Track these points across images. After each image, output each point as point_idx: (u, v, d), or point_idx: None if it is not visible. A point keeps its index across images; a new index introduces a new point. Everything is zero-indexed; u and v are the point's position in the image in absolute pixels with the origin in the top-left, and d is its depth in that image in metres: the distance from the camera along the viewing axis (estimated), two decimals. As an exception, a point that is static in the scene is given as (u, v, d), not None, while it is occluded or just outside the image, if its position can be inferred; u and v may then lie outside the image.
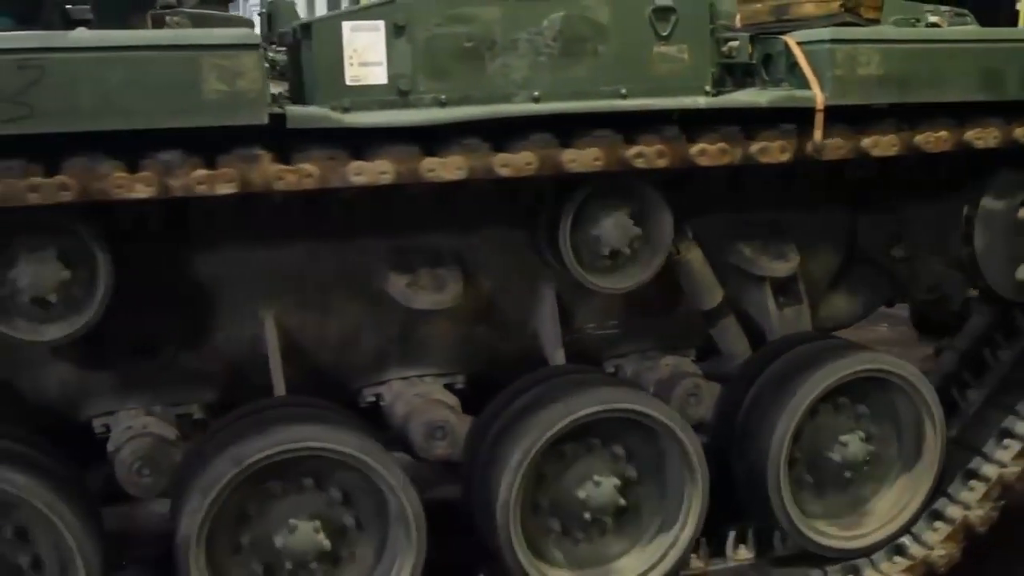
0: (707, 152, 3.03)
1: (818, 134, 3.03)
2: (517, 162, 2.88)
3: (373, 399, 3.54)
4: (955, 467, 3.68)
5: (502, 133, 2.90)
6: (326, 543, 3.00)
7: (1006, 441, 3.68)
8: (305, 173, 2.66)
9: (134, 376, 3.25)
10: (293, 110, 2.66)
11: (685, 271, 3.47)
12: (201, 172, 2.61)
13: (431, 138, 2.85)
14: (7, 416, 3.13)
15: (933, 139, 3.24)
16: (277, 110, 2.63)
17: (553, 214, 3.15)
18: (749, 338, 3.71)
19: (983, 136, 3.30)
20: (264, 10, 4.17)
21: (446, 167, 2.79)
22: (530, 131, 2.92)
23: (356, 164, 2.70)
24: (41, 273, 2.70)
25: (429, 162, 2.78)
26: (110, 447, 3.18)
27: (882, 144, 3.12)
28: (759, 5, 3.24)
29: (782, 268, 3.58)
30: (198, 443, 3.16)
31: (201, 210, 2.97)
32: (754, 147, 3.06)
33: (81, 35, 2.53)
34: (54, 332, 2.77)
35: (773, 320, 3.73)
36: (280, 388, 3.26)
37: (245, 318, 3.25)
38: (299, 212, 3.07)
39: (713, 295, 3.58)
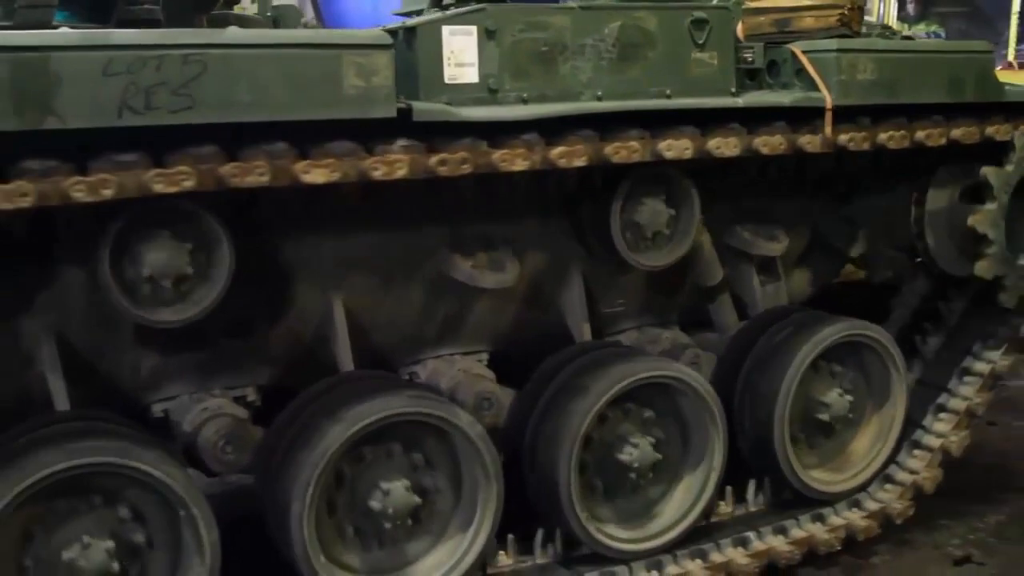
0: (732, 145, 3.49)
1: (828, 129, 3.54)
2: (575, 155, 3.24)
3: (407, 378, 3.82)
4: (926, 404, 4.32)
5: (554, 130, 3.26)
6: (416, 499, 3.28)
7: (967, 378, 4.33)
8: (440, 161, 2.95)
9: (196, 361, 3.41)
10: (419, 105, 2.94)
11: (697, 252, 3.91)
12: (369, 159, 2.89)
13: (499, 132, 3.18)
14: (88, 402, 3.25)
15: (897, 136, 3.81)
16: (403, 105, 2.91)
17: (600, 203, 3.54)
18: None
19: (932, 135, 3.89)
20: (270, 13, 4.38)
21: (569, 156, 3.17)
22: (581, 127, 3.29)
23: (500, 153, 3.03)
24: (170, 259, 2.88)
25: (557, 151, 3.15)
26: (187, 428, 3.35)
27: (891, 139, 3.65)
28: (763, 18, 3.72)
29: (775, 248, 4.10)
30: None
31: (278, 201, 3.18)
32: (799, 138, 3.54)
33: (239, 33, 2.75)
34: (180, 314, 2.95)
35: (757, 295, 4.24)
36: (348, 365, 3.50)
37: (315, 302, 3.47)
38: (365, 203, 3.32)
39: (716, 273, 4.05)
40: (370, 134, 2.95)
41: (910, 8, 9.90)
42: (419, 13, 4.56)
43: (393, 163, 2.90)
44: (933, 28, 4.07)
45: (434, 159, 2.98)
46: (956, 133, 3.83)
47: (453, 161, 3.00)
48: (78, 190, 2.63)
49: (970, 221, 3.93)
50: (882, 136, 3.67)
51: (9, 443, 2.90)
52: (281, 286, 3.40)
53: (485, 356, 3.93)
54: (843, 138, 3.59)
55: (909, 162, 4.07)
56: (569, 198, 3.65)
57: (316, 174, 2.79)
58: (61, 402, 3.14)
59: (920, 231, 4.22)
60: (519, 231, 3.70)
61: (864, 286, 4.84)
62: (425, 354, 3.84)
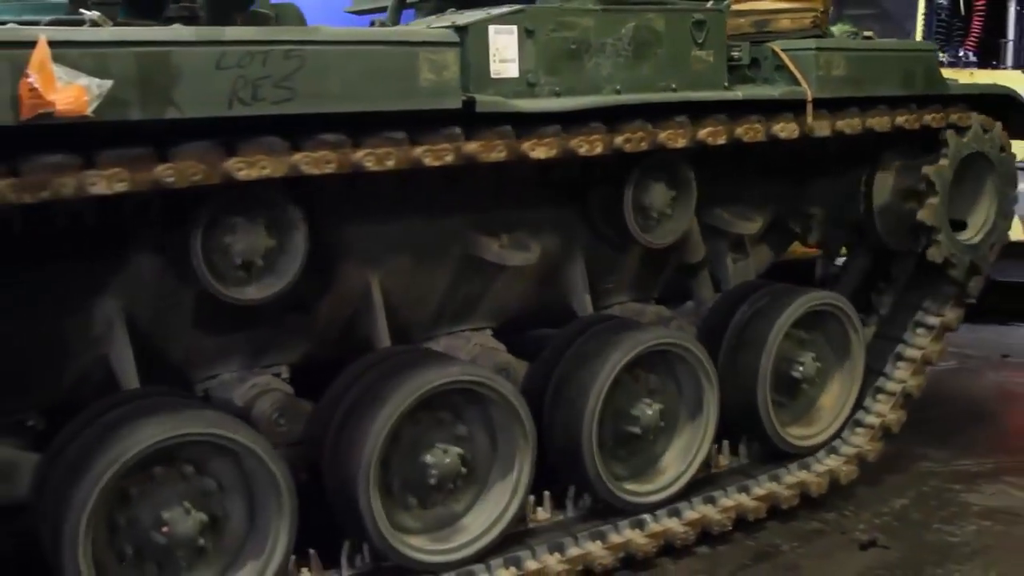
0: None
1: (809, 119, 3.98)
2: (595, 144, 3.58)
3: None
4: (886, 354, 4.86)
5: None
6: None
7: (919, 330, 4.87)
8: (498, 149, 3.26)
9: (239, 340, 3.61)
10: (480, 97, 3.23)
11: (687, 231, 4.30)
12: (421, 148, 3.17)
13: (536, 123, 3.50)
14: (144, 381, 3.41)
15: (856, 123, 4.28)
16: (466, 97, 3.20)
17: (610, 190, 3.90)
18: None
19: (909, 119, 4.38)
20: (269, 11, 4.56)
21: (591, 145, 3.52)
22: (595, 119, 3.64)
23: (530, 143, 3.33)
24: (254, 242, 3.11)
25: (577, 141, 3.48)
26: (238, 403, 3.56)
27: (852, 126, 4.12)
28: (743, 20, 4.13)
29: (750, 227, 4.54)
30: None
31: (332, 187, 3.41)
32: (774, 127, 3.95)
33: (332, 31, 2.98)
34: (261, 291, 3.18)
35: (729, 271, 4.68)
36: (385, 341, 3.76)
37: (354, 281, 3.71)
38: (396, 189, 3.58)
39: (700, 251, 4.46)
40: (420, 124, 3.22)
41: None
42: (374, 11, 4.94)
43: (492, 148, 3.21)
44: (850, 29, 4.55)
45: (526, 144, 3.35)
46: (927, 119, 4.36)
47: (542, 146, 3.40)
48: (168, 176, 2.82)
49: (919, 216, 4.47)
50: (856, 123, 4.13)
51: (104, 414, 3.08)
52: (328, 267, 3.62)
53: (490, 332, 4.24)
54: (822, 125, 4.03)
55: (858, 149, 4.57)
56: (573, 184, 3.97)
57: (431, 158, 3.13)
58: (131, 380, 3.30)
59: (868, 212, 4.72)
60: (534, 215, 4.02)
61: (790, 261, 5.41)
62: (440, 331, 4.12)
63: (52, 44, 2.51)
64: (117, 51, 2.62)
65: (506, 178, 3.71)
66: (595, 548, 3.84)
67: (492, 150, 3.32)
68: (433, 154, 3.25)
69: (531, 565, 3.71)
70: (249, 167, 2.92)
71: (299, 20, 4.28)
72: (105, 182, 2.74)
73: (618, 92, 3.66)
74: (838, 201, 4.80)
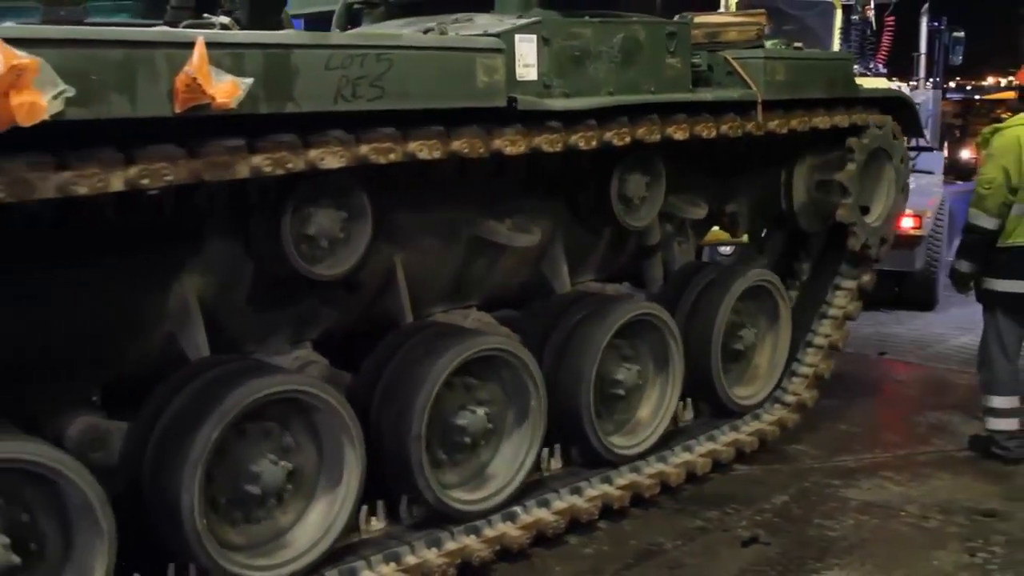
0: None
1: (760, 117, 4.65)
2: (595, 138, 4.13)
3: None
4: (812, 313, 5.60)
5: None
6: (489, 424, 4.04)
7: (837, 292, 5.64)
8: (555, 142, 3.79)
9: (281, 317, 3.97)
10: (521, 97, 3.72)
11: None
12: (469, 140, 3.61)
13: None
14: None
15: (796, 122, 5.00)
16: (511, 96, 3.69)
17: (599, 182, 4.45)
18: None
19: (799, 124, 5.12)
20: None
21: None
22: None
23: (578, 136, 3.85)
24: (330, 223, 3.50)
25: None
26: (289, 373, 3.90)
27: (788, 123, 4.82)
28: (696, 31, 4.74)
29: (699, 213, 5.18)
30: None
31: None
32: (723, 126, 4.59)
33: (413, 36, 3.41)
34: (336, 268, 3.57)
35: (675, 252, 5.31)
36: (408, 316, 4.19)
37: (381, 262, 4.11)
38: (416, 179, 4.02)
39: (657, 234, 5.07)
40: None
41: None
42: (313, 16, 5.34)
43: (554, 142, 3.81)
44: (782, 41, 5.24)
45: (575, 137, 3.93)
46: (854, 117, 5.14)
47: (584, 139, 3.97)
48: (267, 165, 3.20)
49: (837, 177, 5.23)
50: (793, 122, 4.83)
51: (196, 377, 3.43)
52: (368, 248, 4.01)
53: (474, 308, 4.71)
54: (771, 124, 4.71)
55: (778, 148, 5.29)
56: (556, 176, 4.49)
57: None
58: (203, 352, 3.62)
59: (788, 198, 5.46)
60: (528, 203, 4.52)
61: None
62: (436, 308, 4.55)
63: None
64: (251, 52, 2.99)
65: (507, 170, 4.21)
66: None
67: (554, 144, 3.88)
68: (513, 144, 3.80)
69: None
70: (331, 156, 3.32)
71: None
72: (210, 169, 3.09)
73: (611, 94, 4.21)
74: (762, 194, 5.52)
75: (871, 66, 9.42)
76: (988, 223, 5.08)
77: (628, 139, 4.21)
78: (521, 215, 4.46)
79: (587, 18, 4.18)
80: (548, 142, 3.93)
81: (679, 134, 4.40)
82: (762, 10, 5.06)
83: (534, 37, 3.92)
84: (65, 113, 2.63)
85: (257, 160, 3.16)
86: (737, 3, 8.62)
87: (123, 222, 3.29)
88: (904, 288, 8.69)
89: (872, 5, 9.41)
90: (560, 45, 4.02)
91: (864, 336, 7.74)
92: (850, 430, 5.72)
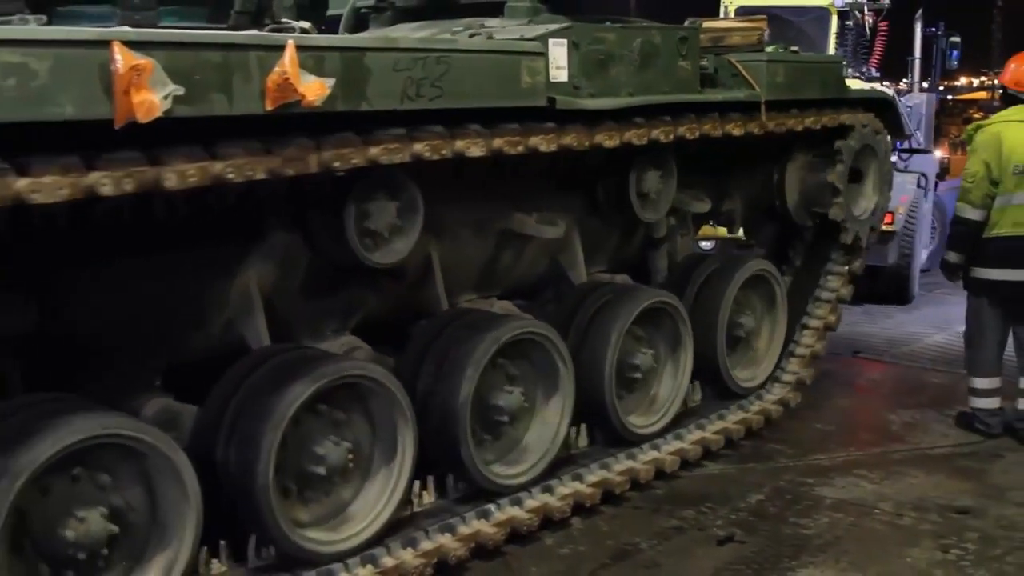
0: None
1: (764, 117, 4.97)
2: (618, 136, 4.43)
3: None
4: (807, 296, 5.96)
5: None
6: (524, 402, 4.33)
7: (830, 277, 6.00)
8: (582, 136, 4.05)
9: (327, 305, 4.21)
10: (559, 97, 4.00)
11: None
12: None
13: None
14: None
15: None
16: (549, 96, 3.97)
17: (617, 180, 4.76)
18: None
19: (797, 123, 5.46)
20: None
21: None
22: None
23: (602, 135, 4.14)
24: (388, 216, 3.76)
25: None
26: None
27: (787, 122, 5.16)
28: (702, 36, 5.06)
29: (703, 207, 5.50)
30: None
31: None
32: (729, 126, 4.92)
33: (467, 40, 3.67)
34: (391, 257, 3.82)
35: (678, 244, 5.62)
36: (444, 304, 4.46)
37: (418, 253, 4.36)
38: (452, 174, 4.28)
39: (665, 227, 5.38)
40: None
41: None
42: None
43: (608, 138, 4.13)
44: (780, 46, 5.59)
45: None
46: (845, 117, 5.49)
47: (607, 137, 4.30)
48: (337, 161, 3.44)
49: (828, 178, 5.58)
50: (791, 121, 5.17)
51: (263, 364, 3.66)
52: None
53: (495, 298, 4.98)
54: (772, 123, 5.05)
55: (772, 147, 5.62)
56: (575, 173, 4.78)
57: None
58: (263, 341, 3.85)
59: (781, 195, 5.80)
60: (551, 199, 4.81)
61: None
62: (463, 297, 4.81)
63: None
64: (331, 54, 3.24)
65: (533, 167, 4.49)
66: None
67: (582, 141, 4.18)
68: (547, 142, 4.09)
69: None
70: (389, 154, 3.58)
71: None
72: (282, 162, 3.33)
73: (630, 94, 4.51)
74: (756, 191, 5.86)
75: (864, 70, 9.85)
76: (974, 215, 5.44)
77: (646, 138, 4.51)
78: (546, 209, 4.74)
79: (608, 24, 4.48)
80: (577, 140, 4.22)
81: (691, 133, 4.71)
82: (763, 16, 5.41)
83: (565, 41, 4.20)
84: (174, 111, 2.86)
85: (327, 156, 3.41)
86: (736, 9, 9.02)
87: (193, 217, 3.52)
88: (878, 283, 9.08)
89: (866, 11, 9.84)
90: (587, 49, 4.30)
91: (838, 336, 7.73)
92: (825, 429, 5.79)
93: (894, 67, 10.94)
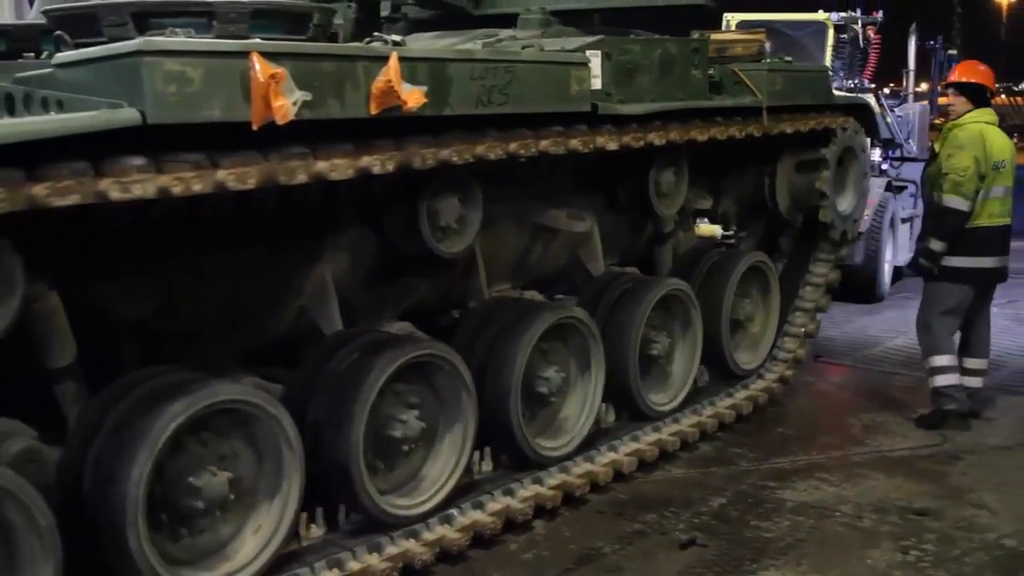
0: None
1: (765, 120, 5.47)
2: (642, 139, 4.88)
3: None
4: (797, 282, 6.48)
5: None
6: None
7: (818, 263, 6.53)
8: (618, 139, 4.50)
9: (393, 291, 4.60)
10: (601, 104, 4.44)
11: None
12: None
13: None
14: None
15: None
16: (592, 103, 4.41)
17: (638, 178, 5.21)
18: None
19: (793, 127, 5.97)
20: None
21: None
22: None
23: (629, 137, 4.59)
24: (455, 210, 4.17)
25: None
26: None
27: (782, 126, 5.67)
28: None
29: (706, 204, 5.99)
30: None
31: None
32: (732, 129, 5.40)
33: (528, 52, 4.09)
34: (456, 247, 4.23)
35: (680, 239, 6.10)
36: (486, 293, 4.87)
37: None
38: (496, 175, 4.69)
39: (671, 222, 5.85)
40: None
41: None
42: None
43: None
44: (776, 57, 6.13)
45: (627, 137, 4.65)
46: (830, 121, 5.99)
47: (633, 139, 4.74)
48: (430, 159, 3.83)
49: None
50: (784, 125, 5.69)
51: (350, 340, 4.05)
52: None
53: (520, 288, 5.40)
54: (772, 127, 5.55)
55: (764, 150, 6.13)
56: (596, 173, 5.22)
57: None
58: (336, 326, 4.23)
59: (772, 194, 6.31)
60: (576, 196, 5.25)
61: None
62: (497, 287, 5.21)
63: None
64: (421, 64, 3.64)
65: (563, 166, 4.92)
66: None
67: (614, 143, 4.64)
68: (584, 144, 4.53)
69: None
70: (459, 155, 3.99)
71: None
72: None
73: (653, 100, 4.96)
74: (749, 191, 6.37)
75: (856, 81, 10.43)
76: (965, 206, 5.82)
77: (665, 139, 4.97)
78: (572, 206, 5.18)
79: (632, 36, 4.94)
80: (609, 141, 4.66)
81: (702, 135, 5.19)
82: (762, 29, 5.92)
83: (599, 52, 4.64)
84: (301, 114, 3.24)
85: (403, 156, 3.79)
86: (738, 23, 9.57)
87: (281, 212, 3.88)
88: (846, 281, 9.59)
89: (861, 24, 10.44)
90: (616, 60, 4.75)
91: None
92: (786, 432, 5.83)
93: (890, 78, 11.55)
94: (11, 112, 3.24)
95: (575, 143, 4.49)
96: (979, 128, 5.90)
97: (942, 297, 6.01)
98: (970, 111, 5.96)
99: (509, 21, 5.36)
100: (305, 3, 3.98)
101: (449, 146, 3.93)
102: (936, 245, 5.93)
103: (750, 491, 4.95)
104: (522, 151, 4.25)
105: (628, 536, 4.45)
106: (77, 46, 3.68)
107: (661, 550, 4.33)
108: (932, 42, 11.55)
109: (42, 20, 4.25)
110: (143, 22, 3.71)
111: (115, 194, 2.92)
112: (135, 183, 2.95)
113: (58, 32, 3.87)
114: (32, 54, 4.25)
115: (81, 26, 3.81)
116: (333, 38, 4.59)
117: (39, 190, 2.77)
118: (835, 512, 4.73)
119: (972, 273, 5.95)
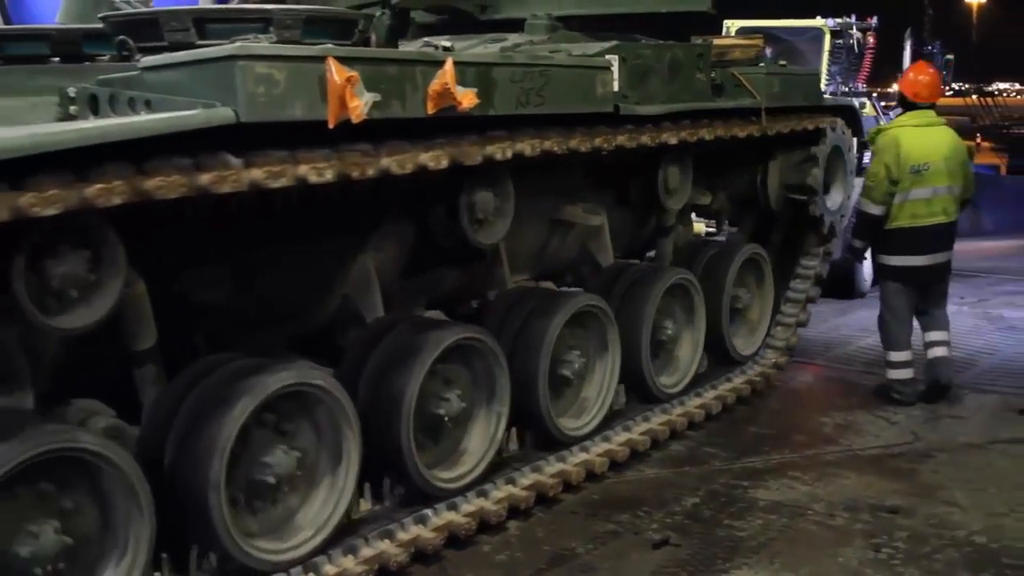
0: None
1: (764, 120, 5.83)
2: (656, 137, 5.21)
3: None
4: (788, 273, 6.88)
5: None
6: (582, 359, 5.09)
7: (809, 255, 6.93)
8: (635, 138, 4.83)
9: (425, 282, 4.89)
10: (622, 105, 4.76)
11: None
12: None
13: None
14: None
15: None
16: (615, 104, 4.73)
17: (648, 175, 5.53)
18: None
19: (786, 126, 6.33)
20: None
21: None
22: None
23: (645, 136, 4.91)
24: (490, 204, 4.47)
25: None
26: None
27: (779, 126, 6.03)
28: (708, 52, 5.89)
29: (706, 200, 6.34)
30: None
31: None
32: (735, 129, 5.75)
33: (558, 57, 4.40)
34: (491, 238, 4.53)
35: (680, 232, 6.44)
36: (509, 283, 5.17)
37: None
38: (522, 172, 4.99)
39: (673, 217, 6.19)
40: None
41: None
42: None
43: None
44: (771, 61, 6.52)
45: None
46: (818, 121, 6.37)
47: (649, 138, 5.05)
48: (478, 155, 4.13)
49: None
50: (779, 125, 6.05)
51: (397, 325, 4.35)
52: None
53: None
54: (769, 128, 5.91)
55: (756, 148, 6.49)
56: (608, 171, 5.54)
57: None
58: (379, 312, 4.51)
59: (764, 189, 6.68)
60: (589, 193, 5.58)
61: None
62: (516, 278, 5.51)
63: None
64: (469, 68, 3.94)
65: (580, 165, 5.24)
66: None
67: (632, 141, 4.95)
68: (607, 142, 4.87)
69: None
70: (501, 152, 4.28)
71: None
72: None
73: (663, 102, 5.30)
74: (742, 188, 6.73)
75: (851, 85, 10.83)
76: (875, 210, 6.21)
77: (676, 138, 5.30)
78: (588, 201, 5.50)
79: (643, 41, 5.27)
80: (627, 140, 4.99)
81: (708, 135, 5.53)
82: (760, 35, 6.28)
83: (616, 57, 4.97)
84: (371, 114, 3.53)
85: (456, 153, 4.08)
86: (738, 29, 9.95)
87: (333, 206, 4.15)
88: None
89: (856, 30, 10.85)
90: (631, 63, 5.08)
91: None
92: (759, 432, 5.87)
93: (888, 81, 12.02)
94: (95, 112, 3.51)
95: (599, 141, 4.81)
96: (894, 134, 6.21)
97: (886, 294, 6.39)
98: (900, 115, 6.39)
99: (515, 26, 5.66)
100: (352, 11, 4.26)
101: (494, 143, 4.23)
102: (855, 242, 6.47)
103: (723, 490, 5.00)
104: (556, 148, 4.55)
105: (601, 536, 4.48)
106: (140, 51, 3.95)
107: (634, 550, 4.35)
108: (929, 47, 11.99)
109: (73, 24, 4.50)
110: (203, 28, 3.96)
111: (213, 188, 3.19)
112: (231, 177, 3.22)
113: (122, 37, 4.11)
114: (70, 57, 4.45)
115: (143, 31, 4.06)
116: (367, 43, 4.86)
117: (151, 183, 3.03)
118: (807, 511, 4.76)
119: (904, 271, 6.28)
